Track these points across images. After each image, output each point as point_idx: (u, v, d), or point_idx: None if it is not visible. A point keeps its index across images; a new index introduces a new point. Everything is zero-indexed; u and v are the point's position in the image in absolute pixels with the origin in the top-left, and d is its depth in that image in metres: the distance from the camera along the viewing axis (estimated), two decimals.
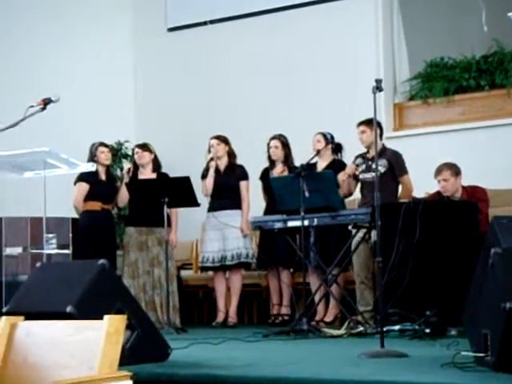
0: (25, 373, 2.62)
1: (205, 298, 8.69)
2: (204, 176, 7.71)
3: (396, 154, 7.05)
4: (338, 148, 7.45)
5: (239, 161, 7.79)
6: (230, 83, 9.72)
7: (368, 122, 6.82)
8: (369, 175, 6.97)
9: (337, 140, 7.42)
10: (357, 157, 7.19)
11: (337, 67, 9.09)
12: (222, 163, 7.74)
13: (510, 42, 8.55)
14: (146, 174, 7.61)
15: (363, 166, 7.09)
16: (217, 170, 7.69)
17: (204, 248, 7.75)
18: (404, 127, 9.06)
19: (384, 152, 7.00)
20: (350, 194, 7.37)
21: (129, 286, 6.78)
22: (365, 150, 7.12)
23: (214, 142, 7.73)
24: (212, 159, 7.70)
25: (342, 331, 6.24)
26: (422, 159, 7.60)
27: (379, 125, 7.11)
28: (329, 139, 7.34)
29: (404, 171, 7.02)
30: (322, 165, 7.42)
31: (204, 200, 7.59)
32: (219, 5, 9.92)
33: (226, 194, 7.65)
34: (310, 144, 7.37)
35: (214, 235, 7.62)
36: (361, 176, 7.10)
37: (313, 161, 7.18)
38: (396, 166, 6.97)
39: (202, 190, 7.62)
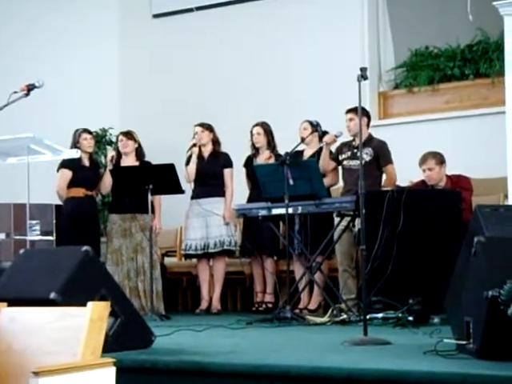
0: (8, 359, 2.62)
1: (188, 285, 8.69)
2: (188, 163, 7.70)
3: (382, 143, 7.06)
4: (324, 136, 7.44)
5: (223, 149, 7.79)
6: (215, 70, 9.69)
7: (357, 110, 6.80)
8: (354, 163, 6.97)
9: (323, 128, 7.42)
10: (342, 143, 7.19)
11: (322, 55, 9.08)
12: (206, 150, 7.73)
13: (495, 32, 8.55)
14: (129, 162, 7.57)
15: (348, 153, 7.08)
16: (201, 157, 7.69)
17: (187, 235, 7.75)
18: (388, 116, 9.07)
19: (370, 141, 7.00)
20: (336, 183, 7.39)
21: (113, 273, 6.76)
22: (350, 138, 7.12)
23: (199, 129, 7.72)
24: (194, 145, 7.68)
25: (325, 319, 6.26)
26: (406, 148, 7.61)
27: (367, 114, 7.12)
28: (315, 127, 7.34)
29: (388, 161, 7.03)
30: (308, 152, 7.42)
31: (188, 187, 7.58)
32: None
33: (210, 181, 7.64)
34: (295, 132, 7.37)
35: (197, 223, 7.62)
36: (345, 162, 7.10)
37: (300, 148, 7.18)
38: (381, 155, 6.98)
39: (185, 176, 7.60)
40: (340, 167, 7.25)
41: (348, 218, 6.60)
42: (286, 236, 6.60)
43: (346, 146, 7.14)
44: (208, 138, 7.71)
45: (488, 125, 8.24)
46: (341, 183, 7.42)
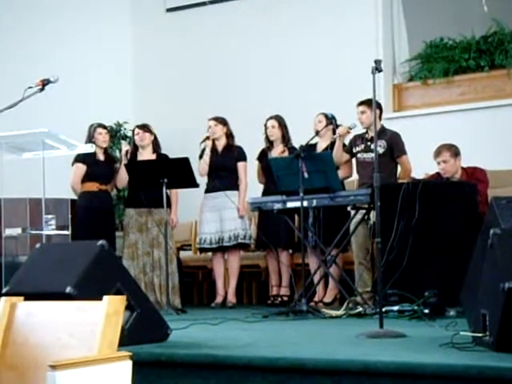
0: (25, 353, 2.63)
1: (204, 279, 8.71)
2: (202, 156, 7.71)
3: (395, 134, 7.05)
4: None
5: (237, 142, 7.78)
6: (228, 64, 9.70)
7: (368, 103, 6.80)
8: (367, 155, 6.96)
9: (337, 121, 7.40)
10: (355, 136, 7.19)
11: (336, 48, 9.07)
12: (220, 144, 7.73)
13: (510, 22, 8.52)
14: (146, 155, 7.60)
15: (362, 146, 7.08)
16: (215, 150, 7.69)
17: (201, 229, 7.76)
18: (403, 108, 9.05)
19: (383, 132, 6.99)
20: (350, 175, 7.38)
21: (128, 268, 6.79)
22: (363, 131, 7.11)
23: (212, 123, 7.72)
24: (207, 138, 7.68)
25: (341, 312, 6.25)
26: (421, 140, 7.59)
27: (379, 105, 7.10)
28: (330, 120, 7.33)
29: (403, 152, 7.01)
30: (322, 145, 7.41)
31: (203, 181, 7.59)
32: None
33: (224, 174, 7.64)
34: (309, 124, 7.36)
35: (211, 216, 7.62)
36: (359, 155, 7.09)
37: (313, 141, 7.17)
38: (395, 147, 6.97)
39: (198, 169, 7.60)
40: (354, 160, 7.24)
41: (363, 211, 6.59)
42: (301, 229, 6.60)
43: (360, 138, 7.13)
44: (222, 132, 7.71)
45: (503, 116, 8.21)
46: (355, 176, 7.41)
